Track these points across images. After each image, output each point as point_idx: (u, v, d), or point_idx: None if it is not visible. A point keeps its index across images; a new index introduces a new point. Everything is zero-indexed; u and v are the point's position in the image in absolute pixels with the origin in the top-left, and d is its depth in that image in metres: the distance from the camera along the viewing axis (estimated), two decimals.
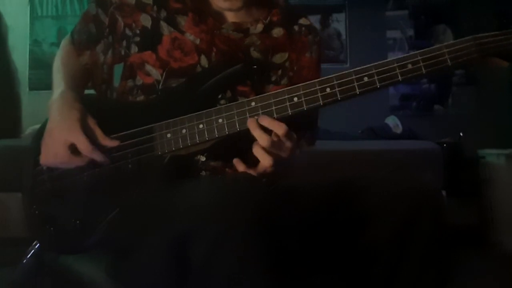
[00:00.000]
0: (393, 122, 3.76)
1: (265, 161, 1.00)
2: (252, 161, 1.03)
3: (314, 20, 1.31)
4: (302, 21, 1.27)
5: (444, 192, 2.34)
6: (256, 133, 1.00)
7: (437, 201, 1.03)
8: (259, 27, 1.19)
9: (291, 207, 1.06)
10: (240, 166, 1.03)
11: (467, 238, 2.67)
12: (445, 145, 3.37)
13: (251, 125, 1.01)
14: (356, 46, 4.18)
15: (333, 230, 1.05)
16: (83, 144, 1.04)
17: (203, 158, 1.12)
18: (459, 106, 4.17)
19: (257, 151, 1.01)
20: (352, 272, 1.03)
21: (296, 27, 1.26)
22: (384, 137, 3.48)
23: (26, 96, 3.59)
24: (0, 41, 2.98)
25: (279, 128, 1.00)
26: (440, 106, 4.21)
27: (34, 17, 4.11)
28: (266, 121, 1.01)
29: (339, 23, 4.26)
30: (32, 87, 3.97)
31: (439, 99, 4.21)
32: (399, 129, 3.68)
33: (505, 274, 2.51)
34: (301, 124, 1.13)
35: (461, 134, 3.64)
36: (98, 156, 1.05)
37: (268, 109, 1.02)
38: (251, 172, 1.02)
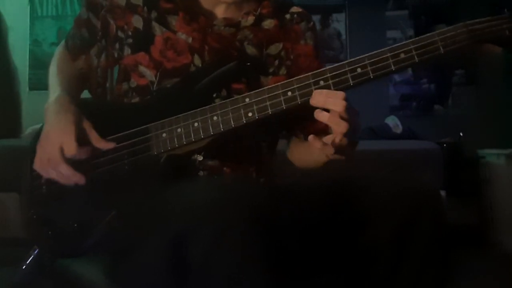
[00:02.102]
0: (393, 122, 3.77)
1: (340, 126, 0.96)
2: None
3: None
4: (294, 9, 1.27)
5: (444, 192, 2.34)
6: (330, 102, 0.96)
7: (437, 201, 1.03)
8: (250, 19, 1.19)
9: (291, 207, 1.06)
10: (317, 143, 0.98)
11: (467, 238, 2.67)
12: (445, 145, 3.38)
13: (320, 99, 0.97)
14: (356, 46, 4.18)
15: (333, 230, 1.05)
16: (69, 148, 1.03)
17: (200, 158, 1.11)
18: (459, 106, 4.18)
19: (331, 119, 0.96)
20: (352, 272, 1.03)
21: (287, 16, 1.26)
22: (384, 137, 3.48)
23: (26, 96, 3.59)
24: (0, 41, 2.98)
25: (339, 95, 0.96)
26: (440, 106, 4.21)
27: (34, 17, 4.12)
28: (324, 92, 0.98)
29: (339, 23, 4.26)
30: (32, 87, 3.98)
31: (439, 99, 4.21)
32: (399, 129, 3.68)
33: (505, 274, 2.51)
34: None
35: (461, 134, 3.65)
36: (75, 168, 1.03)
37: (262, 105, 1.02)
38: (328, 147, 0.98)
